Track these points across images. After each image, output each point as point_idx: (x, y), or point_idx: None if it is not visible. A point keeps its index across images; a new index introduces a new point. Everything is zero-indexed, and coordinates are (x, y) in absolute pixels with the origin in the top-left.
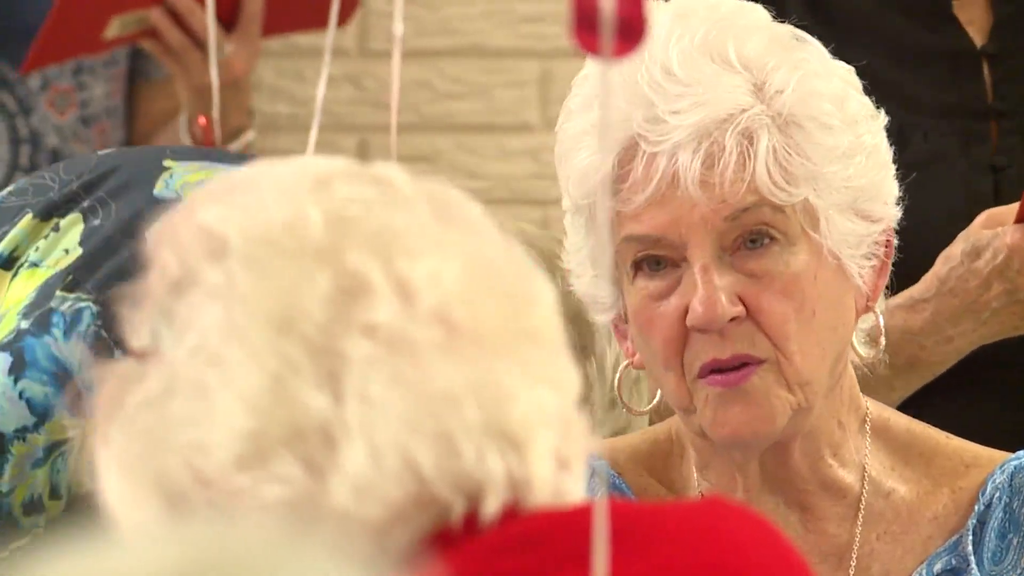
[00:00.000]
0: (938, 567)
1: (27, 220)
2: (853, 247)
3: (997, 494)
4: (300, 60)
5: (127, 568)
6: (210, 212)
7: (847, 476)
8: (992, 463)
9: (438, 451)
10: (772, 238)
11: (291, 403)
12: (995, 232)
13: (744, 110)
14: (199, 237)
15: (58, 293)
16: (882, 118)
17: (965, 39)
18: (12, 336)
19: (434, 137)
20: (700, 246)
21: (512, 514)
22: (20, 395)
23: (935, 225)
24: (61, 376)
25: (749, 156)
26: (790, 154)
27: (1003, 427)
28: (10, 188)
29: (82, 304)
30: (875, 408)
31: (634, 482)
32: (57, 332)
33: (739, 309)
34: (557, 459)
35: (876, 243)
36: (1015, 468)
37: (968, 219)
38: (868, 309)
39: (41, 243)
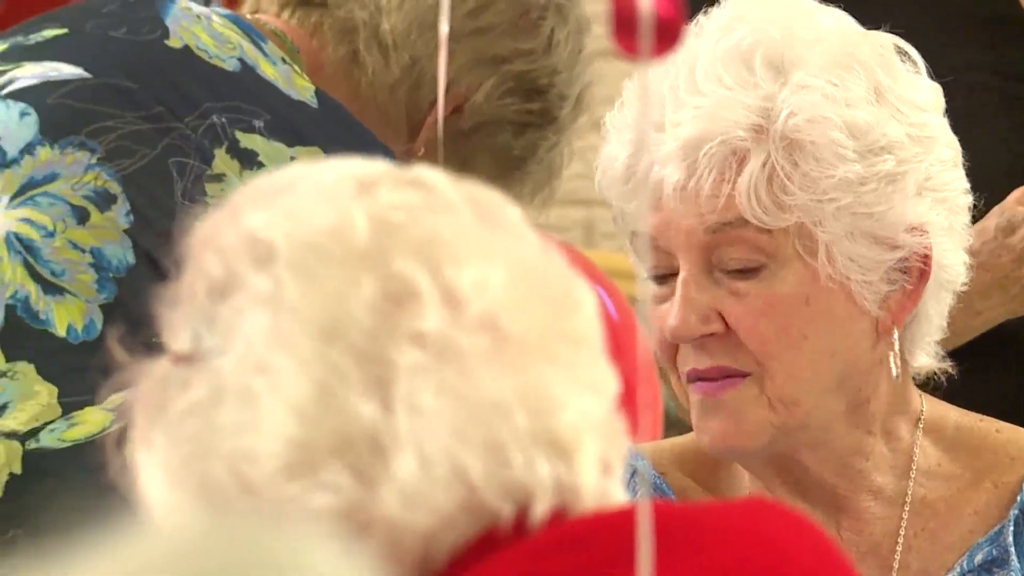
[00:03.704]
0: (979, 558)
1: None
2: (866, 272)
3: None
4: None
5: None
6: (255, 217)
7: (884, 477)
8: None
9: (487, 459)
10: (758, 259)
11: (339, 411)
12: None
13: (742, 130)
14: (244, 242)
15: None
16: (942, 147)
17: (1015, 5)
18: None
19: None
20: (685, 257)
21: (559, 519)
22: None
23: (975, 184)
24: None
25: (731, 174)
26: (786, 179)
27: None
28: None
29: None
30: (930, 406)
31: (675, 483)
32: None
33: (714, 327)
34: (601, 464)
35: (896, 269)
36: None
37: (1009, 179)
38: (889, 332)
39: None
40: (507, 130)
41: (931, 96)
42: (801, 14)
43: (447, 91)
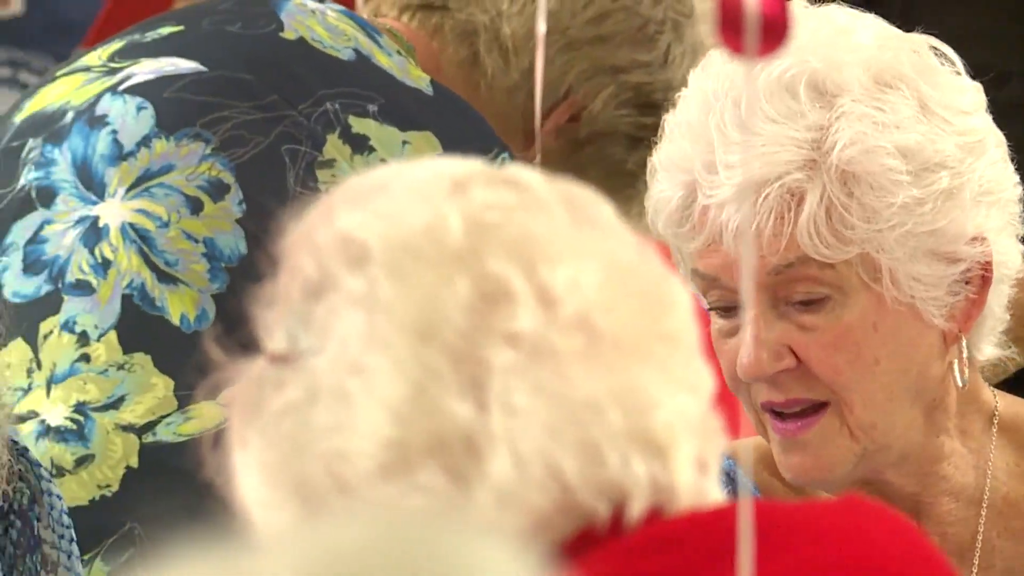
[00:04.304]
0: None
1: None
2: (930, 289)
3: None
4: None
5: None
6: (349, 218)
7: (964, 478)
8: None
9: (582, 459)
10: (824, 293)
11: (434, 412)
12: None
13: (796, 168)
14: (338, 242)
15: None
16: (991, 148)
17: None
18: None
19: None
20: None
21: (655, 518)
22: None
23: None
24: None
25: (791, 215)
26: (845, 212)
27: None
28: None
29: None
30: (1004, 403)
31: (761, 482)
32: None
33: (786, 363)
34: (697, 463)
35: (959, 281)
36: None
37: None
38: (957, 340)
39: None
40: (621, 143)
41: (973, 96)
42: (838, 34)
43: (564, 98)
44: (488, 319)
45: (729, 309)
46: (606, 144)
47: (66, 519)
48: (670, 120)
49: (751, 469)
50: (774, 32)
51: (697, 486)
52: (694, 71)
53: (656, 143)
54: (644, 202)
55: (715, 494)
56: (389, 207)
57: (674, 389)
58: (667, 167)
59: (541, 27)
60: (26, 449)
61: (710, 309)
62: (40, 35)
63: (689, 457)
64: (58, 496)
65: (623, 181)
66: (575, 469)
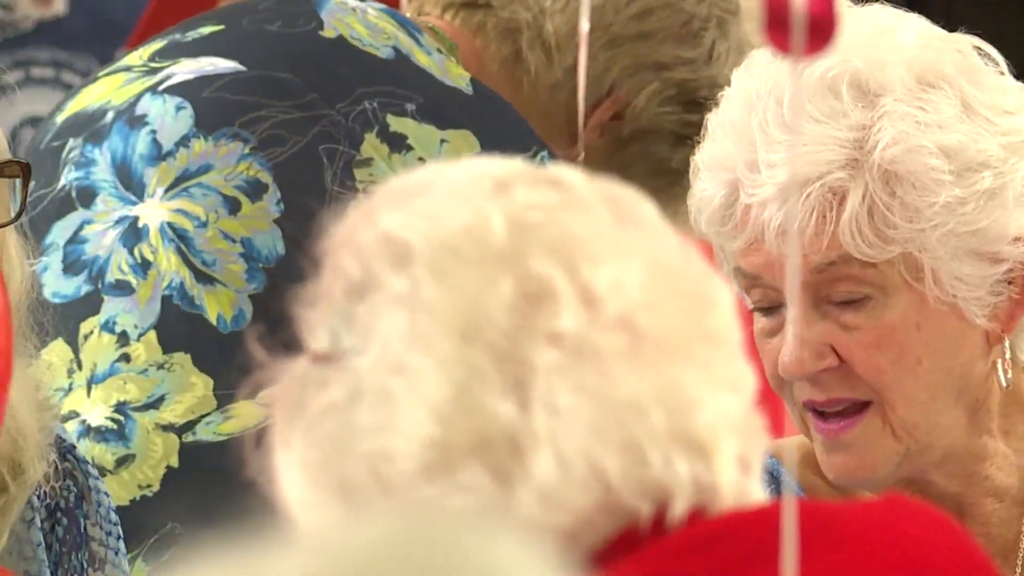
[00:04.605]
0: None
1: None
2: (972, 289)
3: None
4: None
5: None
6: (391, 218)
7: (1008, 478)
8: None
9: (625, 459)
10: (866, 292)
11: (478, 411)
12: None
13: (838, 167)
14: (381, 243)
15: None
16: None
17: None
18: None
19: None
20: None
21: (698, 518)
22: None
23: None
24: None
25: (833, 214)
26: (887, 212)
27: None
28: None
29: None
30: None
31: (804, 481)
32: None
33: (828, 361)
34: (740, 462)
35: (1002, 281)
36: None
37: None
38: (1000, 340)
39: None
40: (666, 140)
41: (1016, 97)
42: (881, 34)
43: (607, 95)
44: (531, 319)
45: (771, 308)
46: (650, 142)
47: (113, 516)
48: (713, 119)
49: (795, 468)
50: (821, 31)
51: (740, 486)
52: (737, 70)
53: (700, 141)
54: (688, 201)
55: (757, 494)
56: (432, 207)
57: (716, 388)
58: (710, 166)
59: (584, 25)
60: (73, 447)
61: (753, 309)
62: (84, 35)
63: (731, 457)
64: (105, 493)
65: (667, 179)
66: (618, 469)
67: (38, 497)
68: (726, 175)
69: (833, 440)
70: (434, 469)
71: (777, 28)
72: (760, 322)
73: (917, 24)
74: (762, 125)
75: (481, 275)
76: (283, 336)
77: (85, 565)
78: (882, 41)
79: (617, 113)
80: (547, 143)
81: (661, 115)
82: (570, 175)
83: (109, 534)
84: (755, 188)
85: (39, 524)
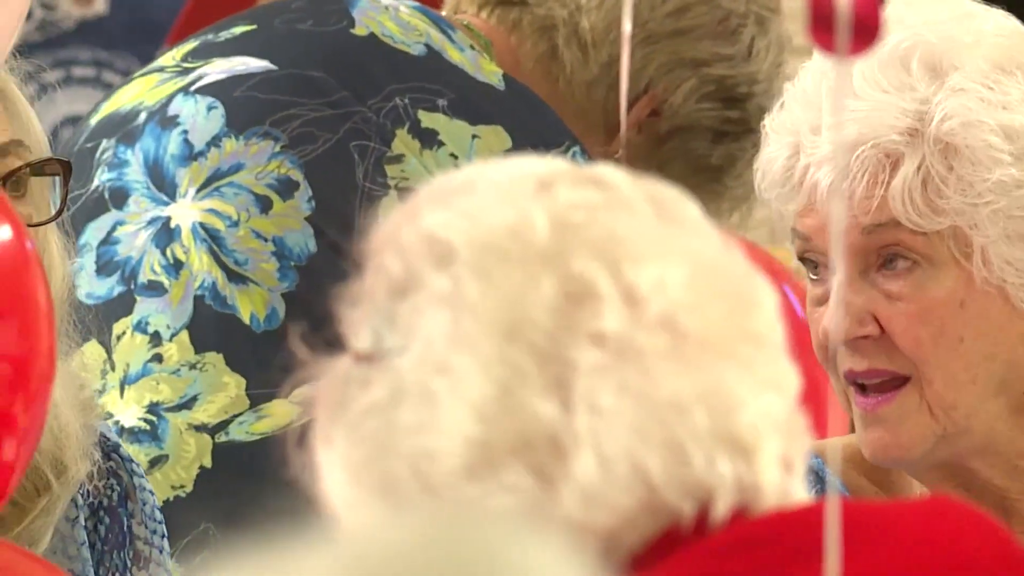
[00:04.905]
0: None
1: None
2: (1023, 275)
3: None
4: None
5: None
6: (434, 217)
7: None
8: None
9: (667, 459)
10: (913, 261)
11: (520, 411)
12: None
13: (896, 133)
14: (424, 242)
15: None
16: None
17: None
18: None
19: None
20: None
21: (740, 517)
22: None
23: None
24: None
25: (885, 176)
26: (942, 184)
27: None
28: None
29: None
30: None
31: (849, 481)
32: None
33: (868, 329)
34: (782, 462)
35: None
36: None
37: None
38: None
39: None
40: (704, 137)
41: None
42: (961, 17)
43: (645, 92)
44: (573, 319)
45: (820, 278)
46: (688, 138)
47: (158, 515)
48: (788, 89)
49: (839, 469)
50: (866, 31)
51: (782, 486)
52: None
53: (741, 137)
54: (733, 200)
55: (800, 494)
56: (474, 206)
57: (759, 388)
58: (777, 130)
59: (627, 25)
60: (118, 445)
61: (806, 275)
62: (124, 35)
63: (774, 456)
64: (151, 492)
65: (707, 176)
66: (660, 469)
67: (82, 495)
68: (790, 138)
69: (870, 414)
70: (476, 469)
71: (822, 28)
72: (811, 291)
73: (1001, 16)
74: (829, 90)
75: (524, 275)
76: (319, 335)
77: (128, 563)
78: (962, 23)
79: (654, 110)
80: (583, 140)
81: (699, 111)
82: (613, 174)
83: (154, 532)
84: (814, 148)
85: (83, 522)
